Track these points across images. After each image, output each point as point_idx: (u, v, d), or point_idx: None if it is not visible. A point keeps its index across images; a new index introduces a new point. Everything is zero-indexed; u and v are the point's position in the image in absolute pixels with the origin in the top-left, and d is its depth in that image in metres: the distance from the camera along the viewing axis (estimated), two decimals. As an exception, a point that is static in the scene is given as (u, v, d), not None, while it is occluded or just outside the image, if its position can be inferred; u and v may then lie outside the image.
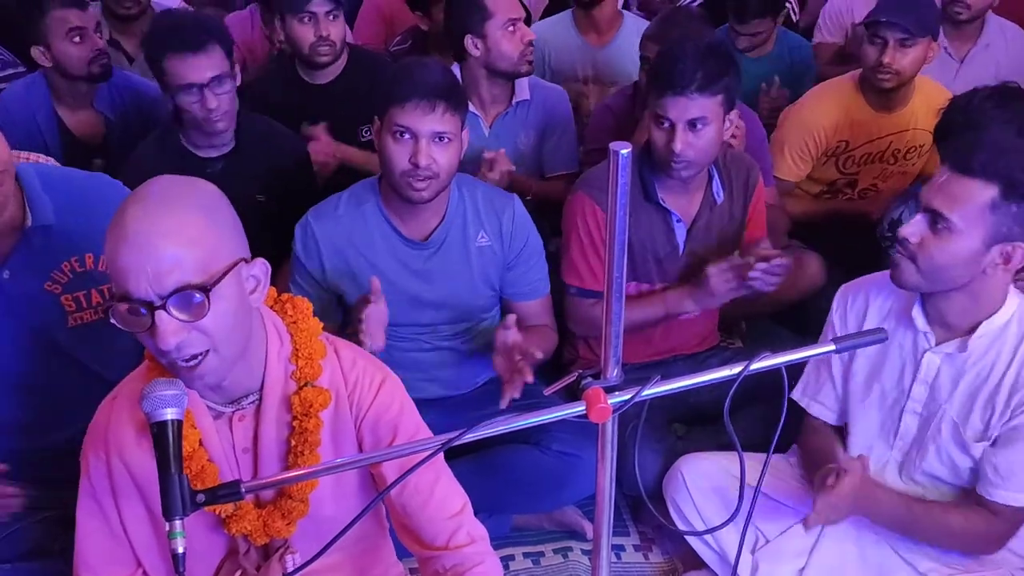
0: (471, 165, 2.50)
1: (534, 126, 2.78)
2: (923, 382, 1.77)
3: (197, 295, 1.15)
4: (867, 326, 1.83)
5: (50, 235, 1.74)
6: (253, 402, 1.36)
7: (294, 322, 1.38)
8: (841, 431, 1.96)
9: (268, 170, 2.39)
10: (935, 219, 1.61)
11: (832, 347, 1.19)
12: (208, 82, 2.22)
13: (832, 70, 3.45)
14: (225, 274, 1.18)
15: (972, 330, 1.69)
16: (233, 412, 1.36)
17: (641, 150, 2.19)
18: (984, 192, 1.57)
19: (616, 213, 1.03)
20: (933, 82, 2.81)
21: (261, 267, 1.27)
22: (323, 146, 2.62)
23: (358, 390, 1.41)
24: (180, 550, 1.06)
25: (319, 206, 2.08)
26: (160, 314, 1.14)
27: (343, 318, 2.10)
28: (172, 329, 1.15)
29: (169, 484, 1.07)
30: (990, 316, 1.68)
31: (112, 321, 1.17)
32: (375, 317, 1.88)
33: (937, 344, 1.74)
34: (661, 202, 2.20)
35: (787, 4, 3.50)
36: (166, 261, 1.13)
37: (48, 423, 1.82)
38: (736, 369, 1.13)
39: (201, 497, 1.08)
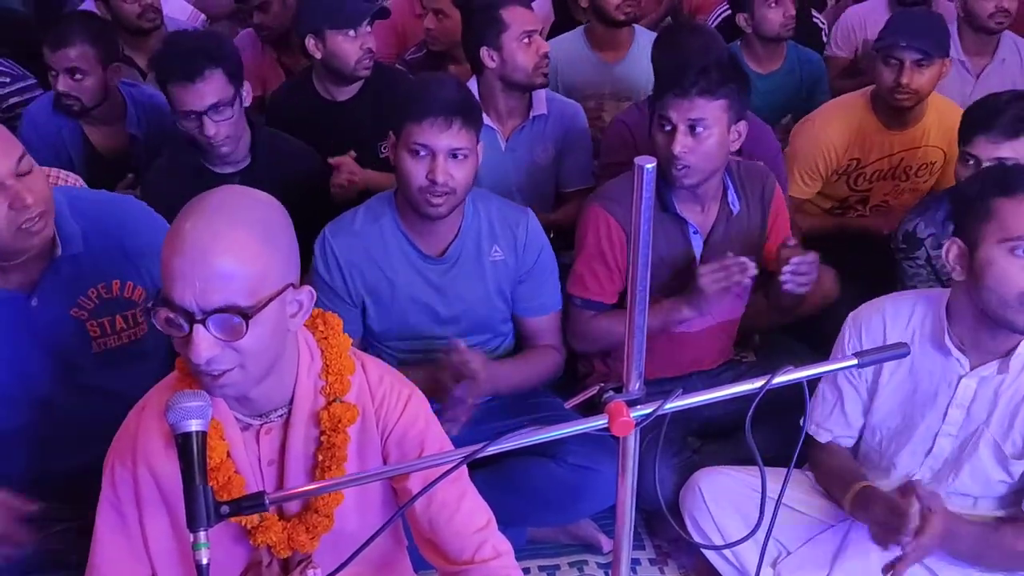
0: (488, 182, 2.51)
1: (552, 140, 2.79)
2: (959, 406, 1.78)
3: (237, 319, 1.16)
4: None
5: (78, 263, 1.75)
6: (281, 416, 1.37)
7: (325, 338, 1.39)
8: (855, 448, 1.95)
9: (284, 185, 2.37)
10: None
11: (854, 361, 1.19)
12: (206, 110, 2.23)
13: (844, 84, 3.48)
14: (271, 300, 1.19)
15: (1011, 351, 1.70)
16: (261, 425, 1.37)
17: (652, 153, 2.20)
18: None
19: (640, 227, 1.04)
20: (945, 99, 2.82)
21: (308, 295, 1.28)
22: (347, 171, 2.58)
23: (385, 406, 1.42)
24: (204, 561, 1.07)
25: (335, 222, 2.10)
26: (198, 328, 1.15)
27: (364, 332, 2.11)
28: (207, 345, 1.16)
29: (194, 495, 1.08)
30: None
31: (152, 321, 1.18)
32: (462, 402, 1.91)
33: (972, 368, 1.74)
34: (678, 212, 2.19)
35: (816, 19, 3.50)
36: (216, 278, 1.14)
37: (70, 445, 1.83)
38: (758, 383, 1.13)
39: (225, 508, 1.09)
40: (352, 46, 2.71)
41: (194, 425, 1.10)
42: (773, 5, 3.19)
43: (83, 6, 3.65)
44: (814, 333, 2.54)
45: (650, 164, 1.01)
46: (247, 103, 2.37)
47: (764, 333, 2.81)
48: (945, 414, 1.79)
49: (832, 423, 1.93)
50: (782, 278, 2.09)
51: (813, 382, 1.88)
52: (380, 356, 2.05)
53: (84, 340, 1.80)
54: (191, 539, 1.07)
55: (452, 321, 2.12)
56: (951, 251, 1.70)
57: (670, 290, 2.25)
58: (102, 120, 2.81)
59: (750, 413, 1.11)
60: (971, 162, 2.17)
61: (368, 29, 2.72)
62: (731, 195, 2.23)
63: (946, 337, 1.74)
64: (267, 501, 1.10)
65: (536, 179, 2.77)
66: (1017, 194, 1.63)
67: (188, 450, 1.09)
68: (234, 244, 1.16)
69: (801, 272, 2.09)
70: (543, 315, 2.20)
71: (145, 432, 1.35)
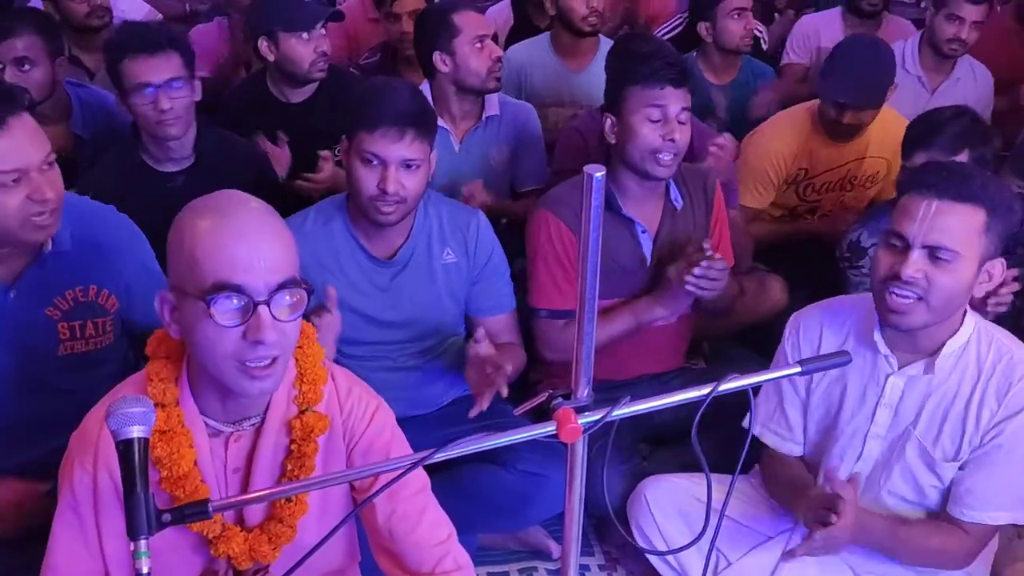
0: (441, 184, 2.51)
1: (505, 141, 2.80)
2: (887, 405, 1.79)
3: (301, 290, 1.23)
4: (824, 351, 1.84)
5: (62, 263, 1.75)
6: (254, 424, 1.37)
7: (300, 347, 1.37)
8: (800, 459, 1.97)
9: (230, 183, 2.36)
10: (935, 252, 1.60)
11: (798, 369, 1.20)
12: (163, 83, 2.22)
13: (801, 88, 3.55)
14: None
15: (937, 351, 1.71)
16: (232, 432, 1.36)
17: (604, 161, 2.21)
18: (976, 217, 1.60)
19: (590, 235, 1.04)
20: (889, 109, 2.88)
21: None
22: (325, 172, 2.56)
23: (353, 417, 1.42)
24: (145, 570, 1.04)
25: (286, 221, 2.07)
26: (263, 309, 1.20)
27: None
28: (271, 325, 1.20)
29: (134, 503, 1.05)
30: (952, 336, 1.70)
31: (213, 314, 1.19)
32: (327, 325, 1.88)
33: (900, 367, 1.76)
34: (624, 213, 2.21)
35: (758, 32, 3.57)
36: (278, 255, 1.22)
37: (18, 442, 1.81)
38: (705, 390, 1.14)
39: (167, 516, 1.06)
40: (306, 48, 2.69)
41: (136, 432, 1.07)
42: (736, 17, 3.24)
43: (30, 3, 3.57)
44: (764, 341, 2.58)
45: (599, 172, 1.01)
46: (199, 98, 2.35)
47: (714, 341, 2.85)
48: (873, 414, 1.80)
49: (775, 424, 1.95)
50: (687, 278, 2.08)
51: (759, 389, 1.91)
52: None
53: (52, 340, 1.79)
54: (131, 547, 1.04)
55: (402, 324, 2.11)
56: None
57: (622, 290, 2.26)
58: (47, 119, 2.74)
59: (696, 421, 1.12)
60: None
61: (322, 32, 2.71)
62: (673, 192, 2.26)
63: (875, 334, 1.75)
64: (211, 509, 1.08)
65: (490, 179, 2.78)
66: (909, 191, 1.65)
67: (129, 457, 1.06)
68: (279, 225, 1.26)
69: (709, 278, 2.08)
70: (499, 315, 2.20)
71: (107, 435, 1.32)
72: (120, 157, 2.38)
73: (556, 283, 2.21)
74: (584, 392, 1.13)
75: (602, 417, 1.10)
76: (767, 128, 2.94)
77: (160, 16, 3.82)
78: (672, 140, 2.09)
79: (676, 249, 2.25)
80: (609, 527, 2.28)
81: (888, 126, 2.79)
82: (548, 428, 1.09)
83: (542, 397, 1.16)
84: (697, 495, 1.91)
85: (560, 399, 1.14)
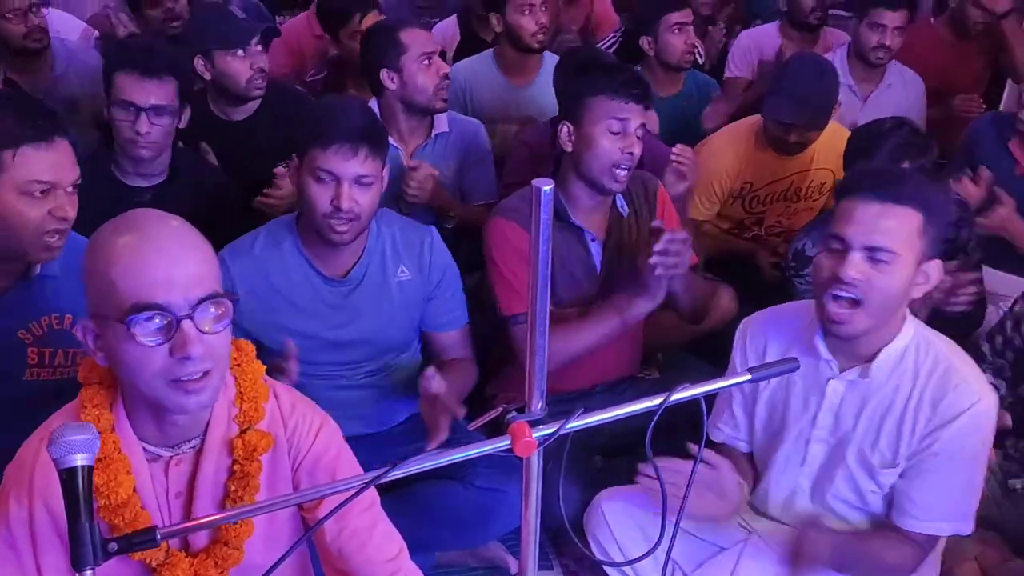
0: (392, 200, 2.50)
1: (454, 157, 2.80)
2: (828, 410, 1.80)
3: (224, 300, 1.22)
4: (769, 357, 1.87)
5: (46, 287, 1.75)
6: (194, 446, 1.33)
7: (238, 364, 1.36)
8: (751, 457, 1.99)
9: (197, 206, 2.34)
10: (874, 253, 1.63)
11: (747, 376, 1.22)
12: (148, 107, 2.23)
13: (742, 101, 3.59)
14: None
15: (874, 356, 1.73)
16: (171, 456, 1.33)
17: (550, 175, 2.22)
18: (913, 218, 1.63)
19: (540, 248, 1.04)
20: (832, 122, 2.94)
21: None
22: (284, 190, 2.51)
23: (297, 434, 1.40)
24: (90, 602, 1.01)
25: (234, 244, 2.05)
26: (186, 324, 1.18)
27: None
28: (196, 339, 1.18)
29: (79, 533, 1.02)
30: (891, 341, 1.73)
31: (135, 335, 1.17)
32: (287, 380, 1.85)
33: (841, 371, 1.78)
34: (574, 221, 2.22)
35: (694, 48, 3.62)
36: (197, 268, 1.20)
37: None
38: (657, 400, 1.14)
39: (113, 546, 1.04)
40: (242, 66, 2.68)
41: (79, 459, 1.04)
42: (677, 32, 3.27)
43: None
44: (716, 350, 2.60)
45: (547, 186, 1.01)
46: (183, 125, 2.36)
47: (667, 351, 2.87)
48: (815, 418, 1.81)
49: (724, 421, 1.97)
50: (652, 261, 2.05)
51: (711, 398, 1.92)
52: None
53: (20, 364, 1.77)
54: (77, 579, 1.02)
55: (357, 343, 2.09)
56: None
57: (575, 297, 2.27)
58: None
59: (649, 432, 1.12)
60: None
61: (258, 48, 2.68)
62: (619, 200, 2.28)
63: (816, 338, 1.77)
64: (159, 536, 1.05)
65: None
66: (848, 194, 1.68)
67: (73, 486, 1.03)
68: (199, 238, 1.24)
69: (671, 253, 2.04)
70: (453, 330, 2.19)
71: (43, 467, 1.28)
72: (91, 169, 2.34)
73: (525, 285, 2.19)
74: (538, 405, 1.13)
75: (556, 430, 1.10)
76: (712, 142, 2.99)
77: (97, 34, 3.75)
78: (630, 154, 2.11)
79: (625, 256, 2.27)
80: (567, 540, 2.28)
81: (832, 138, 2.85)
82: (502, 443, 1.09)
83: (496, 412, 1.16)
84: (654, 506, 1.91)
85: (514, 413, 1.13)
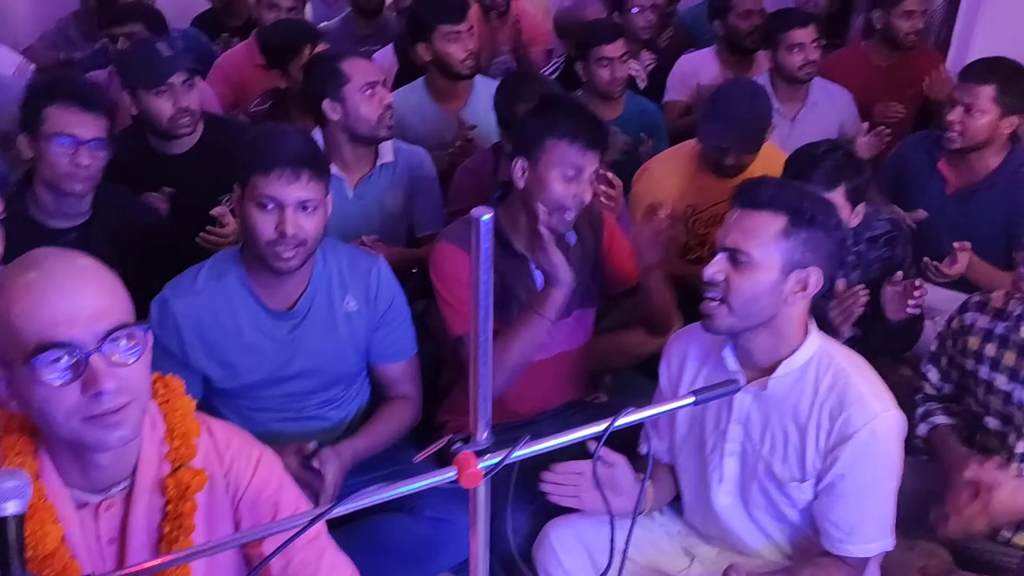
0: (337, 230, 2.48)
1: (400, 187, 2.80)
2: (737, 422, 1.83)
3: (136, 329, 1.18)
4: (686, 374, 1.91)
5: None
6: (124, 489, 1.30)
7: (166, 401, 1.33)
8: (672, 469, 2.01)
9: (123, 242, 2.31)
10: (734, 255, 1.71)
11: (691, 400, 1.23)
12: (89, 140, 2.22)
13: (683, 123, 3.68)
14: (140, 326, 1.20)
15: (772, 369, 1.77)
16: (100, 501, 1.29)
17: (494, 200, 2.24)
18: (774, 223, 1.69)
19: (480, 279, 1.04)
20: (770, 144, 3.00)
21: (151, 337, 1.26)
22: (228, 227, 2.49)
23: (235, 469, 1.37)
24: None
25: (176, 281, 2.02)
26: (95, 358, 1.15)
27: (204, 395, 2.03)
28: (108, 373, 1.15)
29: (13, 584, 1.00)
30: (791, 355, 1.75)
31: (42, 376, 1.14)
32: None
33: (748, 383, 1.80)
34: (518, 249, 2.23)
35: (634, 72, 3.68)
36: (102, 299, 1.17)
37: None
38: (602, 426, 1.15)
39: (49, 596, 1.01)
40: (164, 104, 2.65)
41: (10, 508, 1.01)
42: (605, 64, 3.33)
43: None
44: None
45: (486, 216, 1.02)
46: (108, 157, 2.34)
47: (615, 373, 2.88)
48: (726, 432, 1.84)
49: (649, 433, 1.99)
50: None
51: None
52: (228, 417, 1.98)
53: None
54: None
55: (304, 376, 2.07)
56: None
57: None
58: None
59: (594, 460, 1.13)
60: None
61: (184, 85, 2.65)
62: None
63: (725, 351, 1.81)
64: (96, 584, 1.03)
65: (387, 225, 2.77)
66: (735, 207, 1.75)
67: (4, 536, 1.01)
68: (101, 270, 1.21)
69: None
70: (400, 361, 2.18)
71: None
72: (7, 213, 2.28)
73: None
74: (483, 435, 1.13)
75: (502, 459, 1.10)
76: (656, 165, 3.02)
77: (32, 66, 3.69)
78: (581, 200, 2.13)
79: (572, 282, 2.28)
80: (517, 570, 2.26)
81: (771, 159, 2.90)
82: (448, 474, 1.09)
83: (442, 442, 1.16)
84: (603, 533, 1.91)
85: (460, 443, 1.13)
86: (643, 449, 1.99)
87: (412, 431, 2.22)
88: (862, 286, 2.26)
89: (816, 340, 1.78)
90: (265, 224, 1.90)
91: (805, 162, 2.32)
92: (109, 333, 1.16)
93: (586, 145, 2.11)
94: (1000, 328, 2.05)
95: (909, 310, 2.23)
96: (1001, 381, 2.02)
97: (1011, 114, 2.75)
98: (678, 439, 1.95)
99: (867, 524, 1.76)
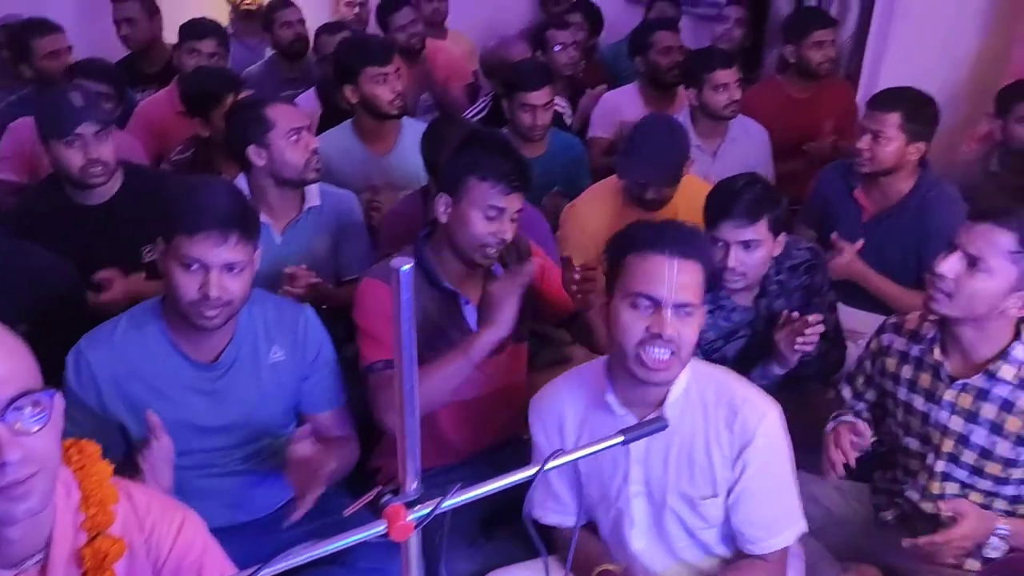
0: (264, 277, 2.45)
1: (327, 230, 2.78)
2: (637, 462, 1.84)
3: (42, 395, 1.13)
4: (568, 427, 1.90)
5: None
6: (38, 562, 1.24)
7: (81, 467, 1.29)
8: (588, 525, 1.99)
9: (31, 301, 2.22)
10: (683, 308, 1.73)
11: (620, 439, 1.24)
12: None
13: (606, 161, 3.72)
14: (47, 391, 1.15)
15: (663, 401, 1.80)
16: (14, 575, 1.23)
17: (422, 239, 2.24)
18: (702, 272, 1.78)
19: (402, 328, 1.04)
20: (692, 176, 3.07)
21: (60, 401, 1.20)
22: (114, 291, 2.48)
23: (156, 534, 1.33)
24: None
25: (93, 332, 1.96)
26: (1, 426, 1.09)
27: (127, 451, 1.96)
28: (12, 442, 1.10)
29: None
30: (673, 383, 1.79)
31: None
32: (159, 455, 1.78)
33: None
34: (446, 286, 2.22)
35: (560, 108, 3.73)
36: (2, 370, 1.11)
37: None
38: (533, 470, 1.15)
39: None
40: (74, 155, 2.56)
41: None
42: (527, 110, 3.36)
43: None
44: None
45: (406, 266, 1.02)
46: None
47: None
48: (627, 475, 1.85)
49: (549, 506, 1.97)
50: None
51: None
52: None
53: None
54: None
55: (228, 429, 2.02)
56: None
57: None
58: None
59: (525, 505, 1.13)
60: (720, 244, 2.33)
61: (96, 137, 2.57)
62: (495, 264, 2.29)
63: (606, 395, 1.82)
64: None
65: (315, 270, 2.73)
66: (642, 251, 1.77)
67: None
68: (2, 334, 1.15)
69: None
70: (330, 409, 2.15)
71: None
72: None
73: (388, 334, 2.15)
74: (413, 486, 1.12)
75: (432, 510, 1.09)
76: (581, 203, 3.06)
77: None
78: (502, 239, 2.15)
79: None
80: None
81: (693, 191, 2.95)
82: (378, 528, 1.07)
83: (371, 495, 1.14)
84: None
85: (390, 495, 1.12)
86: (548, 521, 1.98)
87: (344, 478, 2.18)
88: (816, 315, 2.29)
89: (688, 370, 1.82)
90: (188, 285, 1.85)
91: (726, 197, 2.37)
92: (12, 401, 1.11)
93: (509, 188, 2.12)
94: (915, 350, 2.10)
95: (797, 347, 2.26)
96: (919, 402, 2.07)
97: (917, 140, 2.85)
98: (592, 498, 1.93)
99: (782, 516, 1.83)
